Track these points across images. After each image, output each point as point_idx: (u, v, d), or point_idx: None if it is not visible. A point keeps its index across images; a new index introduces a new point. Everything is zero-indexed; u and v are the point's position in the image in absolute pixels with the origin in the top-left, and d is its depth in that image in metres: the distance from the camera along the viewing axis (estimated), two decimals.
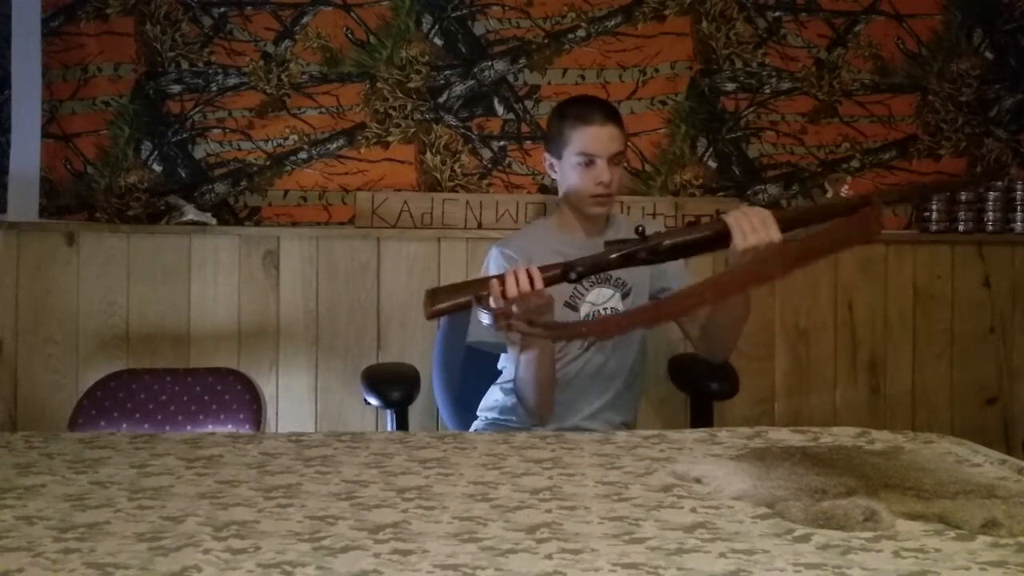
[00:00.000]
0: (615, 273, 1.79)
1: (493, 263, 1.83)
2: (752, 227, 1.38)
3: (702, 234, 1.42)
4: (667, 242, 1.42)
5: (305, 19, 2.57)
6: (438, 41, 2.58)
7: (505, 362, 1.89)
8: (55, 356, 2.47)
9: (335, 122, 2.57)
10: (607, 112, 1.79)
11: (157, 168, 2.57)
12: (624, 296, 1.81)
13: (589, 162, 1.75)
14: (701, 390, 1.98)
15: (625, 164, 2.54)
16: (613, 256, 1.44)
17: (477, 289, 1.45)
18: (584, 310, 1.80)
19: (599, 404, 1.80)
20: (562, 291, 1.78)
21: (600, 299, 1.80)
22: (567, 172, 1.79)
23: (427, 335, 2.42)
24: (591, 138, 1.75)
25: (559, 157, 1.79)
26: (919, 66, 2.65)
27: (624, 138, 1.81)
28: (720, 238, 1.40)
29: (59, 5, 2.54)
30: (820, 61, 2.63)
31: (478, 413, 1.90)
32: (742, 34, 2.62)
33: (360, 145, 2.57)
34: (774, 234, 1.38)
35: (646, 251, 1.42)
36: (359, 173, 2.57)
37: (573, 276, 1.46)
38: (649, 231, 1.45)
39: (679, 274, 1.86)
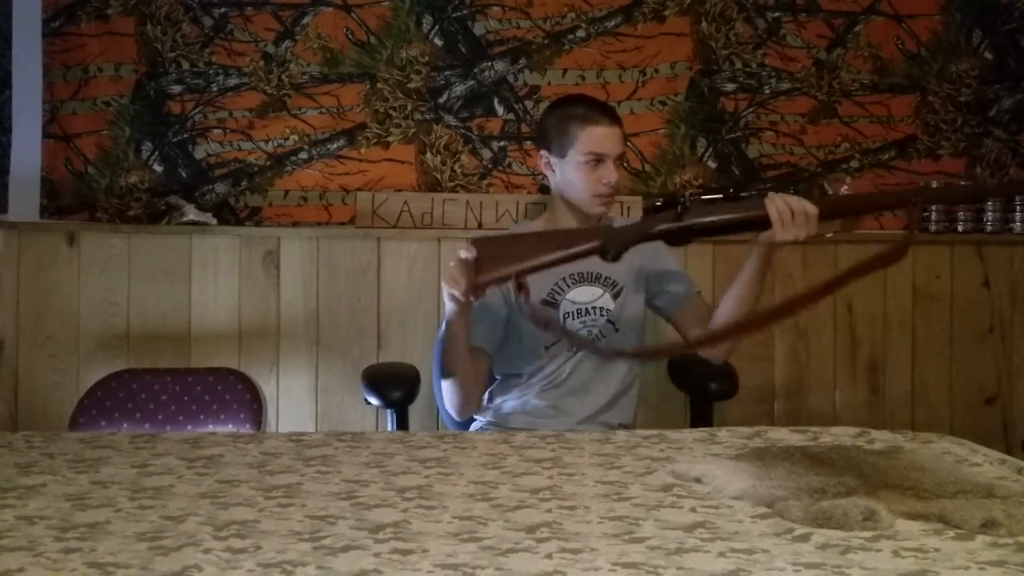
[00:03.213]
0: (605, 271, 1.79)
1: None
2: (793, 222, 1.41)
3: (744, 215, 1.44)
4: (707, 220, 1.43)
5: (305, 19, 2.58)
6: (438, 41, 2.59)
7: (500, 363, 1.89)
8: (56, 356, 2.48)
9: (335, 122, 2.58)
10: (613, 114, 1.80)
11: (158, 168, 2.57)
12: (615, 296, 1.80)
13: (597, 162, 1.75)
14: (701, 390, 1.98)
15: (625, 164, 2.55)
16: (655, 229, 1.44)
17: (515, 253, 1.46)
18: (564, 308, 1.78)
19: (596, 407, 1.79)
20: (540, 288, 1.78)
21: (585, 298, 1.77)
22: (570, 171, 1.78)
23: (427, 335, 2.43)
24: (601, 137, 1.75)
25: (562, 156, 1.79)
26: (918, 66, 2.66)
27: (625, 140, 1.82)
28: (760, 222, 1.43)
29: (60, 5, 2.54)
30: (820, 61, 2.63)
31: (474, 416, 1.90)
32: (742, 34, 2.62)
33: (360, 145, 2.58)
34: (812, 230, 1.42)
35: (688, 228, 1.44)
36: (359, 173, 2.57)
37: (610, 256, 1.47)
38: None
39: (679, 275, 1.86)
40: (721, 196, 1.46)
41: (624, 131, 1.80)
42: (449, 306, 1.58)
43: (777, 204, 1.43)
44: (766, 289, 2.51)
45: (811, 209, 1.42)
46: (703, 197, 1.46)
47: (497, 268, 1.43)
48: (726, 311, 1.72)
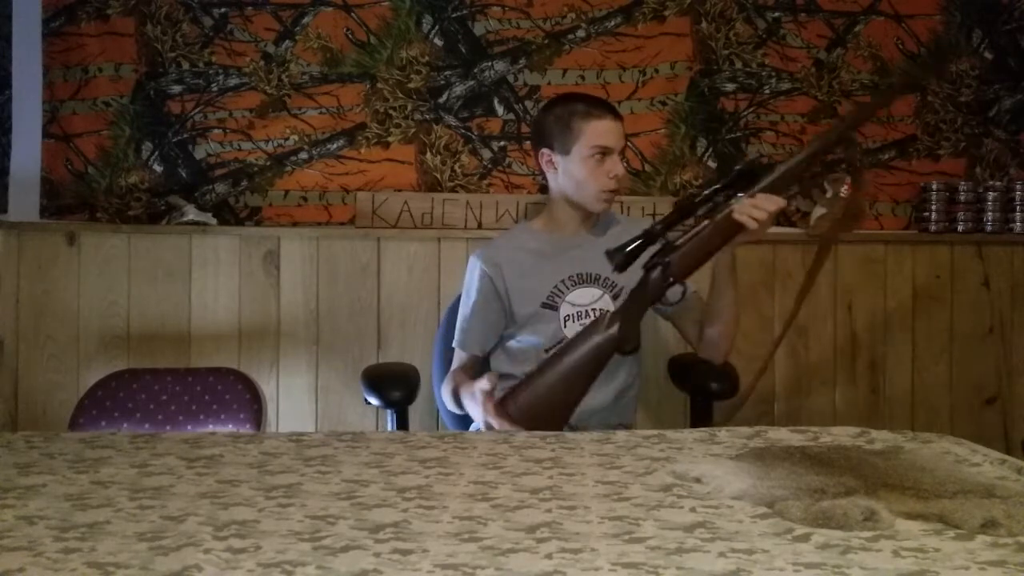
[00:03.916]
0: (604, 272, 1.79)
1: (476, 277, 1.85)
2: (760, 216, 1.50)
3: (721, 240, 1.55)
4: (690, 267, 1.57)
5: (305, 19, 2.57)
6: (438, 41, 2.58)
7: (498, 363, 1.89)
8: (56, 356, 2.48)
9: (335, 122, 2.58)
10: (613, 108, 1.81)
11: (158, 168, 2.57)
12: (615, 297, 1.79)
13: (603, 155, 1.75)
14: (701, 390, 1.98)
15: (625, 164, 2.55)
16: (652, 297, 1.57)
17: None
18: (564, 311, 1.78)
19: (596, 408, 1.79)
20: (539, 291, 1.79)
21: (585, 299, 1.78)
22: (574, 167, 1.78)
23: (427, 335, 2.42)
24: (605, 131, 1.75)
25: (566, 152, 1.78)
26: (918, 66, 2.65)
27: (625, 136, 1.83)
28: (735, 232, 1.54)
29: (60, 5, 2.54)
30: (820, 62, 2.63)
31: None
32: (742, 34, 2.62)
33: (360, 145, 2.58)
34: (780, 203, 1.52)
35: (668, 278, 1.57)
36: (359, 173, 2.57)
37: (629, 349, 1.60)
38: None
39: None
40: (679, 215, 1.55)
41: (624, 127, 1.81)
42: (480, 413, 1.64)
43: (749, 212, 1.51)
44: (767, 292, 2.54)
45: (781, 202, 1.51)
46: (670, 235, 1.56)
47: (542, 417, 1.54)
48: (715, 315, 1.74)
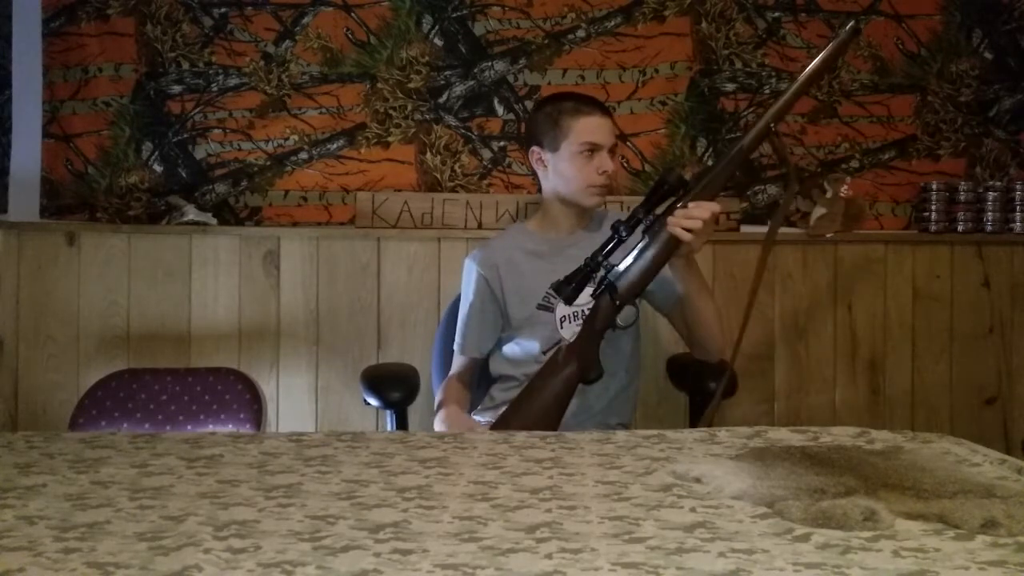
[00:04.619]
0: (598, 274, 1.79)
1: (472, 279, 1.85)
2: (694, 225, 1.50)
3: (663, 259, 1.57)
4: (637, 292, 1.60)
5: (305, 19, 2.58)
6: (438, 41, 2.58)
7: (497, 366, 1.89)
8: (56, 356, 2.48)
9: (335, 122, 2.58)
10: (603, 105, 1.82)
11: (158, 168, 2.57)
12: None
13: (592, 152, 1.76)
14: (700, 390, 1.98)
15: (625, 164, 2.55)
16: (606, 324, 1.61)
17: None
18: (560, 312, 1.78)
19: (595, 408, 1.79)
20: (535, 293, 1.79)
21: (582, 299, 1.76)
22: (564, 164, 1.78)
23: (427, 335, 2.43)
24: (594, 127, 1.76)
25: (555, 149, 1.79)
26: (918, 66, 2.65)
27: (615, 134, 1.84)
28: (676, 245, 1.55)
29: (60, 5, 2.54)
30: None
31: (473, 415, 1.90)
32: (742, 35, 2.62)
33: (360, 145, 2.58)
34: (714, 209, 1.52)
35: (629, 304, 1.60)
36: (359, 173, 2.57)
37: (592, 378, 1.64)
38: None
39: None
40: (616, 241, 1.57)
41: (614, 124, 1.81)
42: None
43: (682, 224, 1.51)
44: (767, 292, 2.54)
45: (715, 207, 1.51)
46: (615, 264, 1.58)
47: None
48: (691, 318, 1.75)
